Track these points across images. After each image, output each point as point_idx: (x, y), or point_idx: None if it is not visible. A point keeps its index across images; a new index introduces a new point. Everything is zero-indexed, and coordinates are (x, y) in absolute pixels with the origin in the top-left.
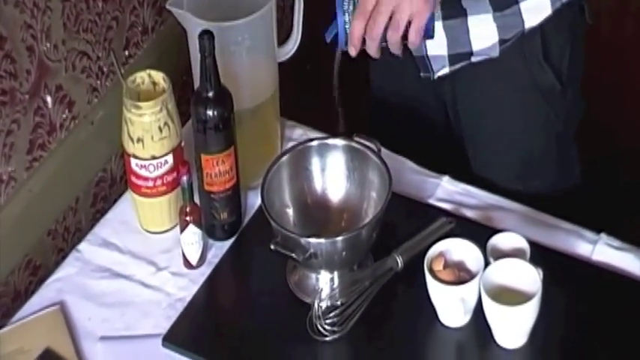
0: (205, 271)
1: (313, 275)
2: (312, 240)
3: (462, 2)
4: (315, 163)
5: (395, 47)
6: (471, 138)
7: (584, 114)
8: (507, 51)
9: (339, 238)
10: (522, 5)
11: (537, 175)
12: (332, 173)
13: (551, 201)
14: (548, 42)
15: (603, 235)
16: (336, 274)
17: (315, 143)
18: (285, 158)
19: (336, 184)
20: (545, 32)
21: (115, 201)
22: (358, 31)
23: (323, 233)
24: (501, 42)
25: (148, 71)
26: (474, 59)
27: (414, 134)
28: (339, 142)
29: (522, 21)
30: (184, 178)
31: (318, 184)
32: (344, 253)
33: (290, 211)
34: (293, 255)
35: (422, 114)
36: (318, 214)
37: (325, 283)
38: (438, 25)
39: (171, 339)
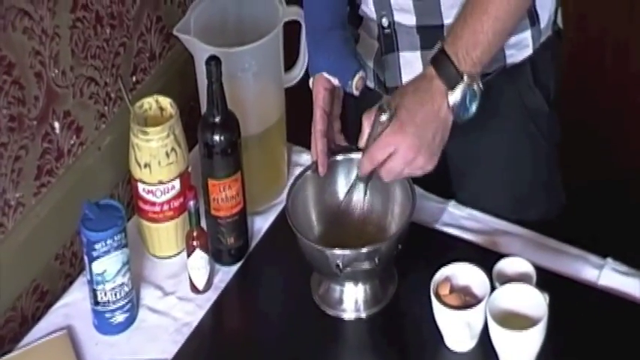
0: (212, 296)
1: (338, 288)
2: (337, 251)
3: (444, 32)
4: (339, 177)
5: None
6: (461, 172)
7: (588, 136)
8: (496, 78)
9: (364, 250)
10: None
11: (530, 204)
12: (355, 190)
13: (551, 228)
14: (537, 65)
15: (609, 260)
16: (360, 286)
17: (339, 158)
18: (309, 173)
19: (359, 197)
20: (533, 57)
21: None
22: (365, 172)
23: (347, 246)
24: (483, 75)
25: (155, 97)
26: None
27: None
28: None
29: (504, 56)
30: (191, 203)
31: (342, 198)
32: (368, 265)
33: (314, 225)
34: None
35: None
36: (341, 228)
37: (350, 296)
38: (416, 55)
39: None
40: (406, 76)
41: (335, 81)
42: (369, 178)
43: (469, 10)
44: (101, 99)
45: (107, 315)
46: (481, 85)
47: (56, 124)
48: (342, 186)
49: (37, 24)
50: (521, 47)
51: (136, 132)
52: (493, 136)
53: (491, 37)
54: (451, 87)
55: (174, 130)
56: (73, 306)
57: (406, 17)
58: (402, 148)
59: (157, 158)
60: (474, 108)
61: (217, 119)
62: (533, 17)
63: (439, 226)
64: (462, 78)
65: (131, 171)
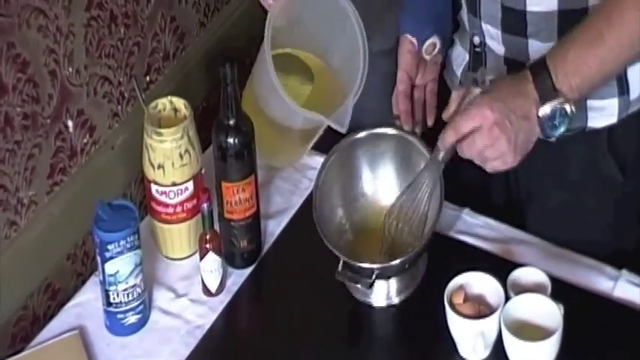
0: (224, 299)
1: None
2: (375, 265)
3: None
4: (363, 159)
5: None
6: (526, 208)
7: None
8: (572, 137)
9: (398, 261)
10: (589, 102)
11: (591, 250)
12: (381, 168)
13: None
14: (615, 134)
15: (624, 272)
16: (391, 280)
17: (363, 135)
18: (333, 158)
19: (385, 179)
20: (614, 125)
21: None
22: (448, 143)
23: (375, 229)
24: None
25: (169, 97)
26: None
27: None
28: (388, 131)
29: (586, 118)
30: (204, 206)
31: (367, 180)
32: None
33: (340, 212)
34: (358, 285)
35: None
36: (368, 209)
37: (380, 287)
38: None
39: None
40: None
41: (417, 43)
42: (448, 155)
43: (580, 34)
44: (115, 98)
45: (119, 316)
46: (574, 109)
47: (70, 123)
48: (365, 167)
49: (51, 22)
50: (605, 114)
51: (150, 132)
52: (561, 185)
53: (594, 72)
54: (543, 99)
55: (188, 132)
56: (85, 306)
57: (495, 45)
58: (487, 124)
59: (170, 159)
60: (562, 129)
61: (231, 122)
62: (622, 86)
63: (453, 234)
64: (556, 95)
65: (144, 172)
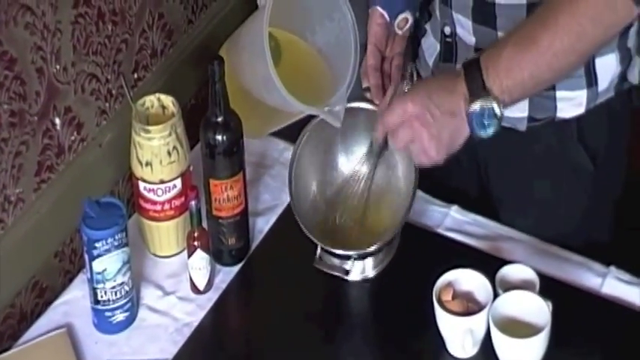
0: (212, 296)
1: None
2: (352, 253)
3: None
4: (336, 135)
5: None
6: (499, 199)
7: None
8: (540, 126)
9: (375, 247)
10: (558, 93)
11: (565, 239)
12: (354, 142)
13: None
14: (584, 124)
15: (612, 269)
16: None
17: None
18: (306, 136)
19: (358, 153)
20: (583, 116)
21: None
22: (379, 138)
23: (352, 205)
24: (530, 119)
25: (157, 95)
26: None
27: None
28: (360, 105)
29: (555, 108)
30: (192, 203)
31: (341, 156)
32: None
33: (316, 195)
34: (336, 273)
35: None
36: (344, 186)
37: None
38: None
39: None
40: None
41: (387, 17)
42: (384, 147)
43: (515, 36)
44: (102, 95)
45: (107, 314)
46: (503, 112)
47: (57, 120)
48: (339, 144)
49: (39, 19)
50: (573, 104)
51: (138, 130)
52: (532, 175)
53: (526, 76)
54: (473, 97)
55: (176, 129)
56: (72, 304)
57: (466, 35)
58: (408, 117)
59: (158, 157)
60: (490, 131)
61: (220, 119)
62: (590, 78)
63: (442, 231)
64: (486, 93)
65: (132, 169)
